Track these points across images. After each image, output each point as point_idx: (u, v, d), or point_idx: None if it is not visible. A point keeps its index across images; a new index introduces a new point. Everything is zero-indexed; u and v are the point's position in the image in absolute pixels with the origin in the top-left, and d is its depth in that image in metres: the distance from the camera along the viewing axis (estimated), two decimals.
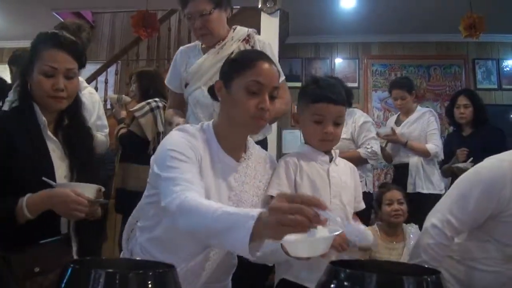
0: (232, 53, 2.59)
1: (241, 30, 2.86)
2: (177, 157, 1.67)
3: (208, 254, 1.80)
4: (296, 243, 1.43)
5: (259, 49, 2.75)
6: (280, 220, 1.25)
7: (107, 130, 3.50)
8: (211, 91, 1.93)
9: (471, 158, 4.28)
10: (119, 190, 3.89)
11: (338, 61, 7.63)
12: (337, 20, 6.79)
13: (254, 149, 1.97)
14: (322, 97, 2.01)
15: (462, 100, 4.65)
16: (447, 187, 4.34)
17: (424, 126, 4.49)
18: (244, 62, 1.80)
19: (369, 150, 3.92)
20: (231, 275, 2.02)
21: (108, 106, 5.85)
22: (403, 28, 7.01)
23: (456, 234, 1.99)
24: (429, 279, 1.02)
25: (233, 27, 2.87)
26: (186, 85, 2.87)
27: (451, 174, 4.45)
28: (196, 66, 2.81)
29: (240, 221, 1.34)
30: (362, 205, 2.16)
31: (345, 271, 1.05)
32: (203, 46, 2.90)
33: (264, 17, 5.69)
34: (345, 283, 1.04)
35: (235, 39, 2.81)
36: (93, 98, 3.41)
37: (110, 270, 0.97)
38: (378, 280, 1.00)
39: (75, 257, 2.08)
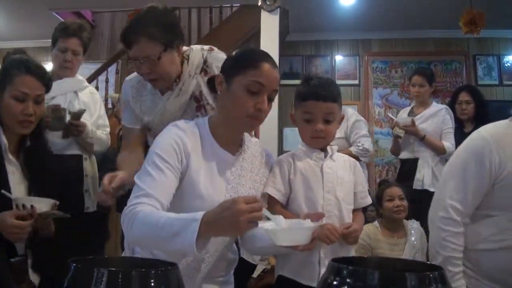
0: (199, 95, 2.36)
1: (196, 58, 2.39)
2: (156, 164, 1.74)
3: (206, 248, 1.81)
4: (277, 232, 1.49)
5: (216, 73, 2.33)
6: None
7: (108, 129, 3.50)
8: (211, 83, 1.95)
9: None
10: None
11: (339, 58, 7.62)
12: (337, 17, 6.78)
13: (250, 143, 1.99)
14: (309, 95, 2.03)
15: (463, 96, 4.65)
16: None
17: (439, 123, 4.45)
18: (248, 61, 1.81)
19: (360, 147, 3.95)
20: (232, 270, 2.04)
21: (109, 106, 5.86)
22: (403, 25, 7.01)
23: (464, 217, 2.01)
24: (431, 275, 1.02)
25: (185, 55, 2.39)
26: (149, 130, 2.47)
27: None
28: (157, 118, 2.38)
29: (185, 225, 1.49)
30: (368, 200, 2.15)
31: (348, 268, 1.05)
32: None
33: (264, 15, 5.69)
34: (348, 280, 1.04)
35: (192, 73, 2.36)
36: (94, 98, 3.41)
37: (113, 269, 0.97)
38: (381, 277, 1.00)
39: (30, 273, 2.15)
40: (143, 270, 0.99)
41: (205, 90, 2.31)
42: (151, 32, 2.19)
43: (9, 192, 2.12)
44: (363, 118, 4.22)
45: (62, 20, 6.39)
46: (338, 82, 7.27)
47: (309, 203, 1.98)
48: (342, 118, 2.16)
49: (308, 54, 7.65)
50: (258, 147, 2.05)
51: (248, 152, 1.95)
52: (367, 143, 4.00)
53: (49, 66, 3.81)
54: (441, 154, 4.36)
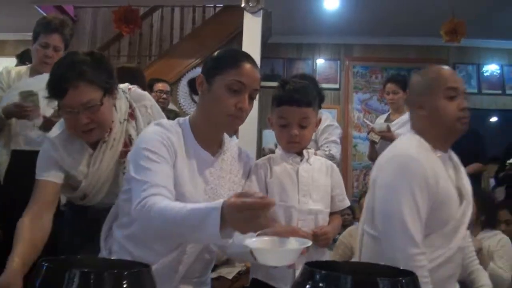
0: (127, 139, 2.19)
1: (122, 104, 2.22)
2: (149, 157, 1.71)
3: (184, 248, 1.83)
4: (265, 252, 1.48)
5: (140, 117, 2.26)
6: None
7: None
8: (192, 84, 1.95)
9: None
10: None
11: (320, 62, 7.65)
12: (319, 21, 6.81)
13: (229, 144, 2.00)
14: (284, 101, 2.04)
15: None
16: None
17: None
18: (229, 61, 1.82)
19: (326, 153, 3.83)
20: (209, 270, 2.05)
21: None
22: (385, 31, 7.06)
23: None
24: (403, 281, 1.03)
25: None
26: (85, 196, 2.18)
27: None
28: (93, 178, 2.12)
29: (206, 215, 1.42)
30: (346, 203, 2.16)
31: (320, 272, 1.06)
32: None
33: (247, 16, 5.70)
34: (320, 285, 1.04)
35: (122, 119, 2.20)
36: None
37: (85, 270, 0.96)
38: (353, 281, 1.01)
39: None
40: (115, 271, 0.99)
41: (134, 134, 2.20)
42: (91, 76, 1.98)
43: None
44: (336, 124, 4.12)
45: (44, 14, 6.35)
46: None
47: (284, 207, 1.99)
48: (319, 122, 2.17)
49: (290, 57, 7.66)
50: (238, 149, 2.06)
51: (227, 153, 1.96)
52: (334, 150, 3.89)
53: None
54: None
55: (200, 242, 1.73)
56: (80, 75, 1.96)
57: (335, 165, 2.19)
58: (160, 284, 1.75)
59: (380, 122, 4.75)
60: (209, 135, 1.90)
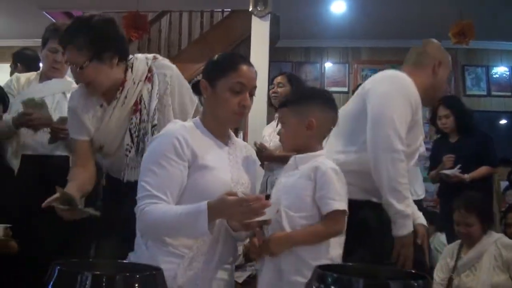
0: (139, 99, 2.39)
1: (140, 66, 2.42)
2: (160, 162, 1.88)
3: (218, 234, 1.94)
4: None
5: (158, 82, 2.42)
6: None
7: None
8: (196, 87, 2.13)
9: (459, 165, 4.28)
10: None
11: (328, 65, 7.64)
12: (327, 24, 6.80)
13: (235, 138, 2.18)
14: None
15: (441, 111, 4.57)
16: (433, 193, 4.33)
17: None
18: (228, 65, 2.00)
19: None
20: (236, 258, 2.20)
21: None
22: (393, 34, 7.03)
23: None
24: (416, 284, 1.03)
25: (129, 63, 2.41)
26: (101, 147, 2.44)
27: (439, 180, 4.44)
28: (105, 130, 2.38)
29: (196, 217, 1.73)
30: (331, 207, 1.98)
31: (332, 276, 1.06)
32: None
33: (255, 21, 5.69)
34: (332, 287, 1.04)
35: (137, 80, 2.39)
36: None
37: (97, 273, 0.97)
38: (365, 284, 1.01)
39: None
40: (127, 274, 0.99)
41: (146, 96, 2.38)
42: (78, 41, 2.25)
43: None
44: None
45: (52, 19, 6.39)
46: (327, 89, 7.29)
47: None
48: (311, 123, 2.12)
49: (298, 60, 7.66)
50: (241, 141, 2.27)
51: (236, 144, 2.13)
52: None
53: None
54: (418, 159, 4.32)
55: (188, 237, 1.90)
56: (70, 39, 2.27)
57: (322, 167, 2.03)
58: (199, 271, 1.88)
59: None
60: (218, 130, 2.06)
